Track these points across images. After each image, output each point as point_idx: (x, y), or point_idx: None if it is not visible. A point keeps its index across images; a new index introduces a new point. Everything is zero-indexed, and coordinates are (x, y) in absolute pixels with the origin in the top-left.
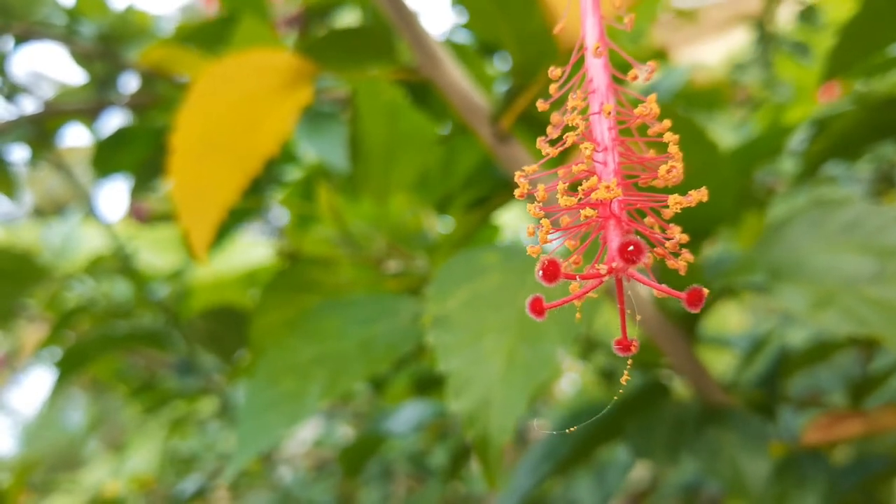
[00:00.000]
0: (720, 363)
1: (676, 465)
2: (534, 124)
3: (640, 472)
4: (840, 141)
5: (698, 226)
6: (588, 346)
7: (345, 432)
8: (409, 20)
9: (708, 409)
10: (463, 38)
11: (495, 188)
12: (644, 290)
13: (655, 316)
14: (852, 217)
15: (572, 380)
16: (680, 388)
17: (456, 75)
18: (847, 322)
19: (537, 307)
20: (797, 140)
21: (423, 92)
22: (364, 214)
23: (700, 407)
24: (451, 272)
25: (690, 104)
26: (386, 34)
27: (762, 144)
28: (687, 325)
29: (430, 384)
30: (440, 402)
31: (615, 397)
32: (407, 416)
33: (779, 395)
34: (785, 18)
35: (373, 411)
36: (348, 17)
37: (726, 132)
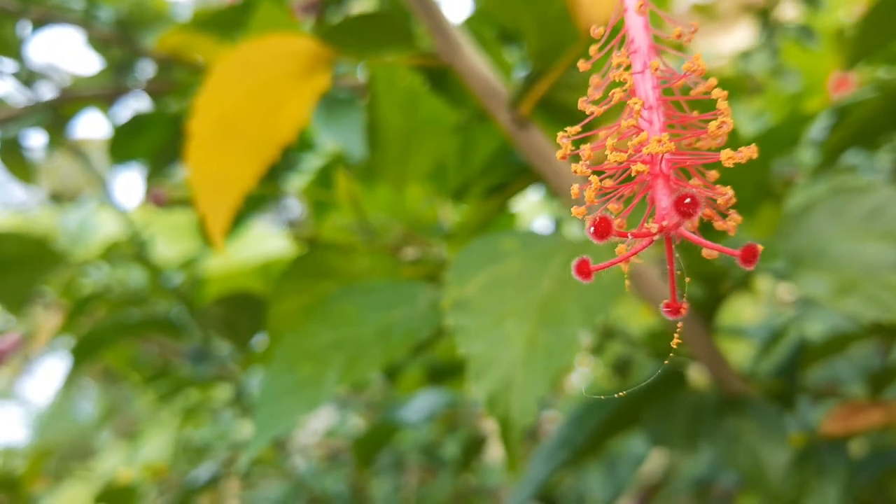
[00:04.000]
0: (734, 353)
1: (694, 453)
2: (554, 110)
3: (652, 464)
4: (860, 129)
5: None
6: (602, 338)
7: (356, 423)
8: (427, 5)
9: (726, 398)
10: (481, 22)
11: (514, 175)
12: (658, 280)
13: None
14: (875, 204)
15: (583, 374)
16: (696, 376)
17: (475, 61)
18: (870, 309)
19: (584, 269)
20: (817, 129)
21: (442, 78)
22: (381, 202)
23: (718, 396)
24: (470, 257)
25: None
26: (404, 19)
27: (780, 134)
28: (706, 314)
29: (442, 374)
30: (453, 392)
31: (633, 385)
32: (420, 405)
33: (798, 386)
34: (789, 6)
35: (386, 401)
36: (364, 3)
37: (744, 122)
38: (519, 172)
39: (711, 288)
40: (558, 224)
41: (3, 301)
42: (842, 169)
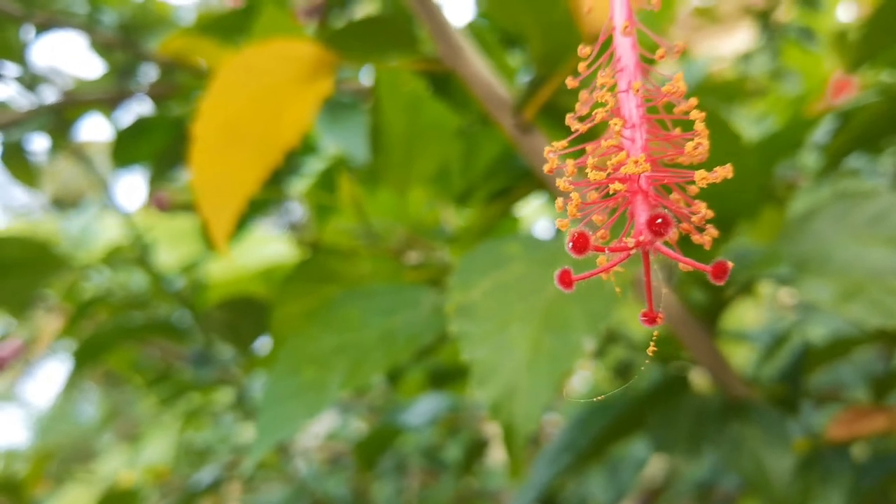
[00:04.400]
0: (737, 357)
1: (698, 458)
2: (557, 115)
3: (654, 468)
4: (863, 133)
5: (721, 218)
6: (604, 341)
7: (358, 426)
8: (431, 10)
9: (730, 403)
10: (485, 27)
11: (517, 179)
12: (660, 285)
13: (677, 309)
14: (879, 209)
15: (584, 378)
16: (699, 381)
17: (478, 66)
18: (874, 314)
19: (566, 279)
20: (820, 133)
21: (445, 83)
22: (383, 206)
23: (722, 400)
24: (473, 262)
25: (710, 97)
26: (408, 24)
27: (783, 138)
28: (708, 319)
29: (444, 378)
30: (455, 396)
31: (636, 390)
32: (422, 409)
33: (801, 390)
34: (788, 8)
35: (387, 405)
36: (368, 7)
37: (747, 125)
38: (522, 177)
39: (715, 293)
40: (558, 228)
41: (4, 304)
42: (845, 173)
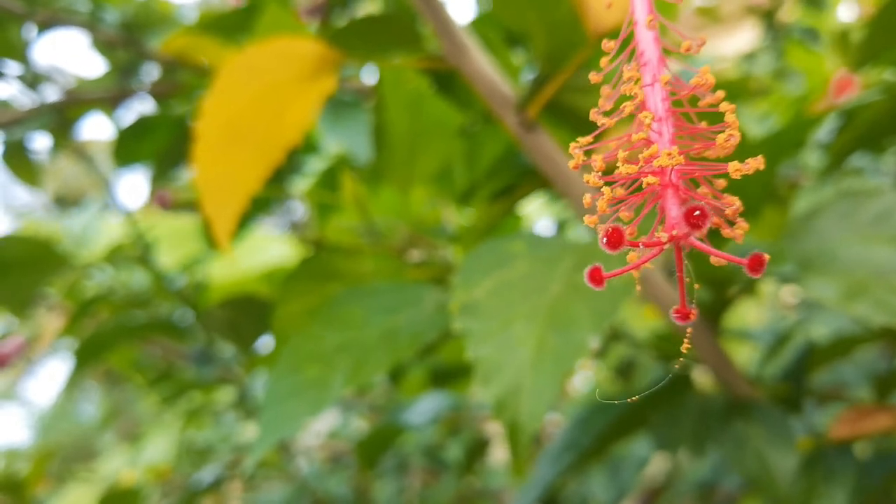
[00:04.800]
0: (739, 356)
1: (701, 457)
2: (561, 113)
3: (656, 467)
4: (867, 132)
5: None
6: (606, 340)
7: (360, 425)
8: (434, 8)
9: (733, 402)
10: (488, 25)
11: (520, 177)
12: (665, 283)
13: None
14: (883, 208)
15: (586, 377)
16: (702, 380)
17: (482, 64)
18: (879, 313)
19: (596, 276)
20: (823, 132)
21: (448, 80)
22: (386, 204)
23: (725, 399)
24: (477, 261)
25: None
26: (411, 22)
27: (786, 137)
28: (712, 317)
29: (446, 376)
30: (456, 395)
31: (636, 389)
32: (423, 408)
33: (804, 389)
34: (792, 8)
35: (389, 404)
36: (370, 5)
37: (750, 124)
38: (526, 175)
39: (718, 292)
40: (562, 226)
41: (6, 303)
42: (848, 172)
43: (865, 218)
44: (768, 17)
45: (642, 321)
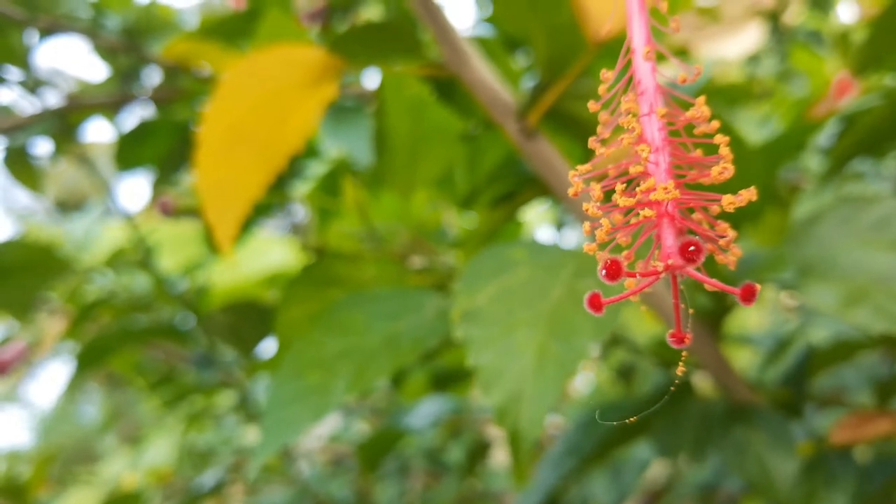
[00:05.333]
0: (740, 361)
1: (702, 462)
2: (561, 120)
3: (657, 470)
4: (867, 137)
5: (725, 221)
6: (607, 345)
7: (361, 428)
8: (435, 14)
9: (734, 407)
10: (488, 32)
11: (521, 184)
12: (666, 292)
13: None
14: (883, 214)
15: (587, 379)
16: (703, 385)
17: (482, 71)
18: (879, 320)
19: (596, 303)
20: (824, 136)
21: (449, 87)
22: (387, 209)
23: (726, 405)
24: (478, 267)
25: (714, 100)
26: (411, 29)
27: (787, 141)
28: (712, 323)
29: (447, 380)
30: (458, 398)
31: (637, 393)
32: (425, 411)
33: (805, 394)
34: (797, 10)
35: (390, 407)
36: (372, 11)
37: (751, 128)
38: (526, 182)
39: (719, 298)
40: (561, 233)
41: (8, 307)
42: (849, 176)
43: (865, 224)
44: (773, 19)
45: (642, 326)
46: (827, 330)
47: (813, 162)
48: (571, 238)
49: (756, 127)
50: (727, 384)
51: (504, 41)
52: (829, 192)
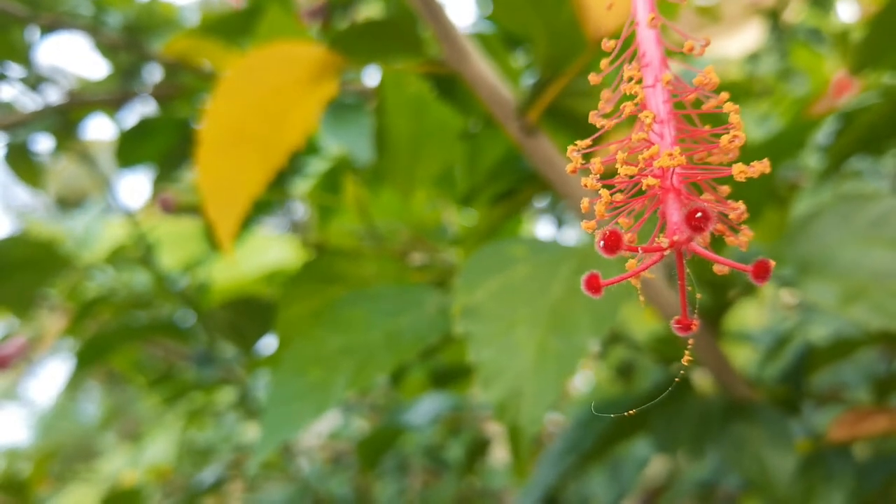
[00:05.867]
0: (739, 358)
1: (701, 459)
2: (561, 117)
3: (656, 467)
4: (866, 135)
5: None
6: (607, 342)
7: (361, 425)
8: (435, 12)
9: (732, 404)
10: (489, 29)
11: (521, 181)
12: (666, 287)
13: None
14: (881, 212)
15: (587, 377)
16: (702, 382)
17: (482, 68)
18: (877, 317)
19: (593, 284)
20: (823, 134)
21: (449, 85)
22: (387, 207)
23: (724, 401)
24: (479, 264)
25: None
26: (412, 26)
27: (786, 139)
28: (711, 320)
29: (447, 377)
30: (457, 396)
31: (636, 390)
32: (424, 409)
33: (803, 391)
34: (797, 8)
35: (390, 404)
36: (372, 9)
37: (751, 125)
38: (527, 179)
39: (718, 294)
40: (562, 230)
41: (8, 304)
42: (847, 174)
43: (864, 221)
44: (773, 18)
45: (642, 324)
46: (826, 327)
47: (812, 160)
48: (571, 236)
49: (756, 125)
50: (726, 381)
51: (504, 39)
52: (827, 189)
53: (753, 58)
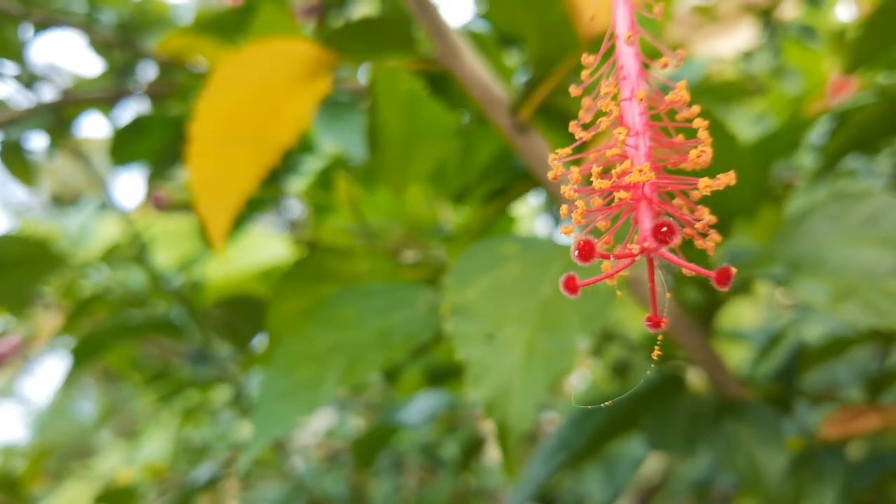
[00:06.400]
0: (732, 357)
1: (692, 457)
2: (553, 115)
3: (651, 466)
4: (860, 134)
5: (718, 218)
6: (601, 341)
7: (356, 424)
8: (428, 10)
9: (724, 402)
10: (481, 28)
11: (514, 179)
12: (658, 289)
13: (672, 308)
14: (873, 210)
15: (583, 375)
16: (695, 380)
17: (475, 66)
18: (867, 315)
19: (571, 285)
20: (817, 134)
21: (442, 82)
22: (381, 205)
23: (716, 400)
24: (469, 262)
25: (708, 97)
26: (405, 24)
27: (781, 138)
28: (704, 318)
29: (442, 376)
30: (452, 394)
31: (631, 389)
32: (419, 407)
33: (795, 390)
34: (790, 6)
35: (385, 402)
36: (366, 7)
37: (745, 125)
38: (519, 177)
39: (710, 293)
40: (554, 228)
41: (3, 302)
42: (842, 173)
43: (855, 220)
44: (766, 16)
45: (636, 322)
46: (819, 327)
47: (806, 159)
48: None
49: (750, 124)
50: (718, 379)
51: (497, 37)
52: (821, 189)
53: (747, 56)
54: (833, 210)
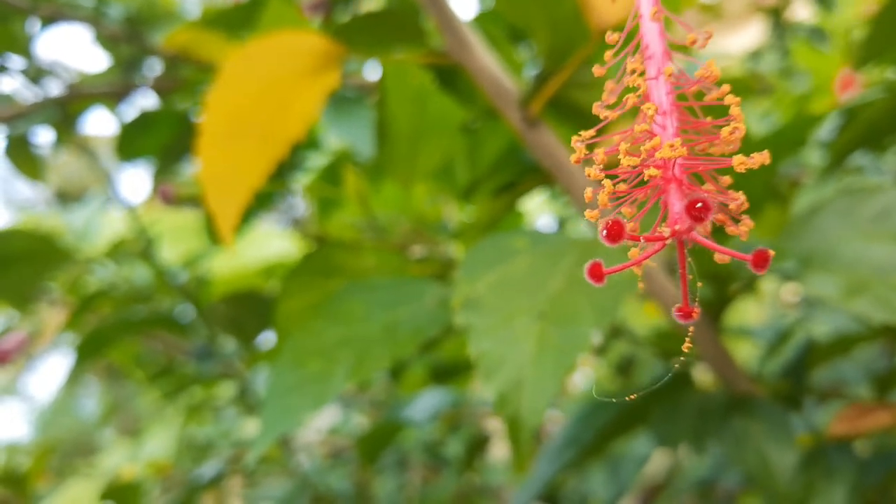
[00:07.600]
0: (739, 354)
1: (702, 453)
2: (564, 109)
3: (656, 465)
4: (868, 131)
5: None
6: (608, 336)
7: (360, 421)
8: (438, 3)
9: (733, 399)
10: (492, 21)
11: (523, 173)
12: (667, 280)
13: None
14: (884, 205)
15: (586, 374)
16: (702, 376)
17: (485, 59)
18: (879, 310)
19: (596, 272)
20: (825, 130)
21: (451, 76)
22: (388, 199)
23: (725, 396)
24: (479, 256)
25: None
26: (414, 17)
27: (788, 135)
28: (713, 314)
29: (446, 373)
30: (456, 392)
31: (635, 386)
32: (424, 404)
33: (804, 386)
34: (800, 7)
35: (389, 400)
36: (372, 2)
37: (753, 122)
38: (528, 171)
39: (719, 289)
40: (562, 223)
41: (8, 297)
42: (849, 170)
43: (866, 215)
44: (775, 16)
45: (643, 318)
46: (828, 324)
47: (814, 157)
48: (574, 229)
49: (757, 122)
50: (727, 375)
51: (507, 31)
52: (829, 186)
53: (755, 55)
54: (843, 205)
